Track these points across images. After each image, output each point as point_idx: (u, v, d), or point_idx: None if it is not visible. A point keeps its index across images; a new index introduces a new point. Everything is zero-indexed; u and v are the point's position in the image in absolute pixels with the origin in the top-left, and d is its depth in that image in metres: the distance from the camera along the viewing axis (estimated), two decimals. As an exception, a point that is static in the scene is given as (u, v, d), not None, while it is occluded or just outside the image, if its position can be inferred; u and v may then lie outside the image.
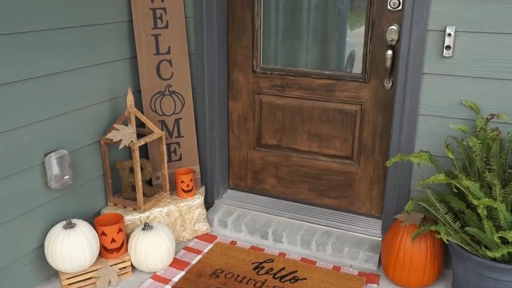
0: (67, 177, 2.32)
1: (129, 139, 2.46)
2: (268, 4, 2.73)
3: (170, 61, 2.74)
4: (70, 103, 2.35)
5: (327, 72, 2.67)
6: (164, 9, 2.67)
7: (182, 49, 2.74)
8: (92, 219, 2.45)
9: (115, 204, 2.64)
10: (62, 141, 2.33)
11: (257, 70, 2.83)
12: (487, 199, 1.88)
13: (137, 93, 2.74)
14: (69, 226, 2.25)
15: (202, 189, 2.89)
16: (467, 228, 2.00)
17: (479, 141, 2.04)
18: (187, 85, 2.78)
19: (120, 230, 2.37)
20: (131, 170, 2.62)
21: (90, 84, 2.45)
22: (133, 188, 2.65)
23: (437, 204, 2.09)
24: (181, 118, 2.81)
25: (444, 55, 2.20)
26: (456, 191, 2.03)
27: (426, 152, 2.16)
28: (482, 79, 2.19)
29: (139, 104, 2.75)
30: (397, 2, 2.38)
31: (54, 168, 2.25)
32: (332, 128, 2.75)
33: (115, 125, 2.49)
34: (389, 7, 2.41)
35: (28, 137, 2.16)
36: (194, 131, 2.85)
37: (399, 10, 2.39)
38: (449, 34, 2.17)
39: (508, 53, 2.11)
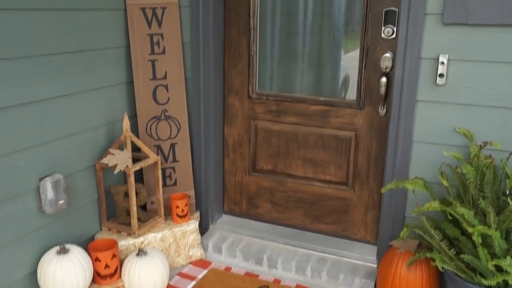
0: (62, 201, 2.31)
1: (125, 164, 2.46)
2: (264, 30, 2.77)
3: (166, 86, 2.76)
4: (66, 128, 2.36)
5: (322, 99, 2.70)
6: (161, 35, 2.71)
7: (178, 74, 2.76)
8: (86, 244, 2.42)
9: (109, 229, 2.63)
10: (57, 165, 2.33)
11: (252, 96, 2.86)
12: (482, 226, 1.89)
13: (133, 118, 2.75)
14: (63, 251, 2.23)
15: (197, 214, 2.88)
16: (462, 255, 2.00)
17: (473, 168, 2.06)
18: (183, 110, 2.80)
19: (114, 255, 2.35)
20: (126, 194, 2.61)
21: (86, 108, 2.46)
22: (128, 213, 2.63)
23: (432, 231, 2.09)
24: (176, 143, 2.82)
25: (437, 83, 2.23)
26: (450, 218, 2.04)
27: (420, 178, 2.17)
28: (475, 106, 2.22)
29: (135, 129, 2.75)
30: (390, 30, 2.42)
31: (48, 192, 2.24)
32: (327, 154, 2.76)
33: (111, 150, 2.49)
34: (383, 35, 2.45)
35: (24, 161, 2.15)
36: (189, 156, 2.85)
37: (393, 38, 2.43)
38: (442, 63, 2.20)
39: (500, 81, 2.15)
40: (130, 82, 2.73)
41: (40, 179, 2.23)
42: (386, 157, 2.44)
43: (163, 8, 2.68)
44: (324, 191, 2.83)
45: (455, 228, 2.08)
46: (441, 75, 2.22)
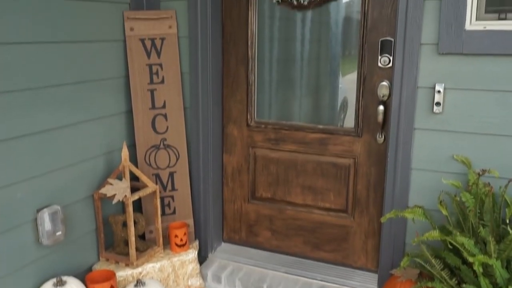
0: (59, 233, 2.30)
1: (123, 194, 2.46)
2: (262, 59, 2.80)
3: (165, 115, 2.77)
4: (64, 159, 2.36)
5: (321, 126, 2.71)
6: (160, 65, 2.73)
7: (177, 103, 2.78)
8: (84, 275, 2.40)
9: (107, 260, 2.60)
10: (55, 196, 2.32)
11: (251, 124, 2.87)
12: (482, 256, 1.87)
13: (132, 147, 2.76)
14: (60, 284, 2.20)
15: (196, 243, 2.86)
16: (464, 285, 1.98)
17: (472, 196, 2.05)
18: (182, 138, 2.81)
19: (111, 287, 2.33)
20: (124, 224, 2.60)
21: (85, 139, 2.47)
22: (126, 242, 2.61)
23: (433, 260, 2.07)
24: (175, 172, 2.82)
25: (434, 111, 2.25)
26: (451, 247, 2.02)
27: (420, 207, 2.16)
28: (472, 134, 2.23)
29: (133, 158, 2.76)
30: (387, 60, 2.44)
31: (46, 224, 2.23)
32: (326, 182, 2.76)
33: (109, 180, 2.49)
34: (379, 64, 2.47)
35: (21, 193, 2.15)
36: (188, 184, 2.85)
37: (390, 67, 2.45)
38: (439, 91, 2.22)
39: (496, 109, 2.16)
40: (129, 112, 2.75)
41: (38, 211, 2.22)
42: (385, 185, 2.44)
43: (162, 39, 2.71)
44: (324, 218, 2.81)
45: (455, 257, 2.06)
46: (438, 104, 2.24)
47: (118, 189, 2.46)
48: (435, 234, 1.99)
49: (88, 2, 2.41)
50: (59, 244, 2.36)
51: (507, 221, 1.97)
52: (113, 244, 2.66)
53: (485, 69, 2.14)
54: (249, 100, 2.84)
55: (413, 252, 2.25)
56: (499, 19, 2.09)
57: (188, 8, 2.67)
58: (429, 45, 2.21)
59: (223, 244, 3.11)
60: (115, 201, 2.45)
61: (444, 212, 2.07)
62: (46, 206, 2.26)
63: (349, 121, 2.66)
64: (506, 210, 1.98)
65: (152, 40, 2.70)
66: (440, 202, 2.10)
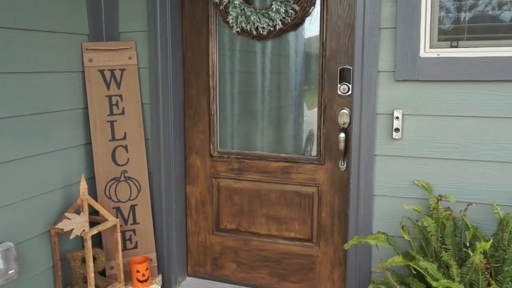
0: (12, 271, 2.18)
1: (81, 228, 2.37)
2: (224, 90, 2.80)
3: (126, 147, 2.72)
4: (17, 193, 2.27)
5: (283, 155, 2.71)
6: (120, 96, 2.70)
7: (138, 135, 2.73)
8: (39, 316, 2.29)
9: (65, 299, 2.49)
10: (7, 232, 2.22)
11: (214, 154, 2.84)
12: (446, 280, 1.87)
13: (91, 180, 2.68)
14: (12, 326, 2.09)
15: (159, 277, 2.77)
16: (429, 310, 1.97)
17: (433, 221, 2.07)
18: (143, 170, 2.75)
19: (68, 327, 2.22)
20: (83, 260, 2.50)
21: (40, 172, 2.39)
22: (85, 280, 2.51)
23: (398, 286, 2.06)
24: (137, 204, 2.75)
25: (393, 137, 2.28)
26: (415, 272, 2.02)
27: (383, 233, 2.16)
28: (431, 159, 2.26)
29: (93, 191, 2.68)
30: (346, 88, 2.48)
31: (-2, 262, 2.12)
32: (290, 211, 2.73)
33: (67, 214, 2.40)
34: (339, 92, 2.51)
35: (-29, 230, 2.05)
36: (150, 217, 2.78)
37: (349, 95, 2.49)
38: (397, 117, 2.26)
39: (453, 134, 2.21)
40: (89, 144, 2.68)
41: (-11, 248, 2.12)
42: (349, 212, 2.44)
43: (122, 70, 2.69)
44: (290, 248, 2.78)
45: (420, 282, 2.05)
46: (397, 130, 2.27)
47: (76, 224, 2.37)
48: (398, 260, 1.99)
49: (44, 32, 2.37)
50: (12, 283, 2.24)
51: (468, 245, 1.98)
52: (71, 282, 2.55)
53: (440, 95, 2.19)
54: (211, 130, 2.83)
55: (378, 279, 2.24)
56: (451, 46, 2.16)
57: (148, 39, 2.66)
58: (386, 73, 2.26)
59: (187, 278, 3.03)
60: (72, 236, 2.35)
61: (407, 237, 2.07)
62: (-2, 244, 2.15)
63: (312, 150, 2.66)
64: (466, 233, 2.00)
65: (112, 71, 2.67)
66: (402, 227, 2.10)
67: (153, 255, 2.79)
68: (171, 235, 2.84)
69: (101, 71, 2.65)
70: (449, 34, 2.18)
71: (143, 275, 2.62)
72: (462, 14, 2.15)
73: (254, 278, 2.88)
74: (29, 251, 2.34)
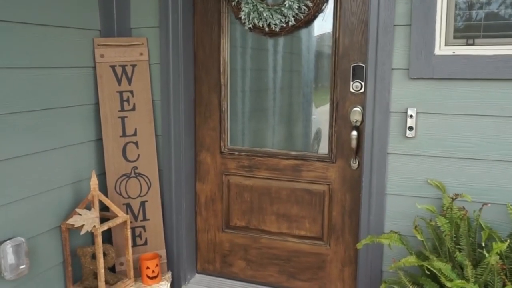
0: (23, 266, 2.19)
1: (92, 224, 2.37)
2: (235, 87, 2.78)
3: (136, 143, 2.71)
4: (29, 188, 2.27)
5: (294, 153, 2.69)
6: (131, 92, 2.69)
7: (148, 131, 2.72)
8: (49, 312, 2.29)
9: (75, 294, 2.49)
10: (19, 228, 2.22)
11: (224, 151, 2.83)
12: (460, 280, 1.85)
13: (102, 176, 2.68)
14: (23, 321, 2.09)
15: (169, 274, 2.77)
16: (442, 311, 1.95)
17: (447, 221, 2.04)
18: (154, 167, 2.74)
19: (78, 323, 2.22)
20: (93, 256, 2.49)
21: (51, 167, 2.39)
22: (95, 275, 2.51)
23: (411, 286, 2.04)
24: (147, 201, 2.74)
25: (407, 135, 2.25)
26: (428, 272, 2.00)
27: (396, 232, 2.14)
28: (445, 158, 2.23)
29: (103, 187, 2.67)
30: (359, 85, 2.46)
31: (9, 257, 2.12)
32: (301, 209, 2.72)
33: (77, 210, 2.40)
34: (351, 90, 2.49)
35: (-17, 225, 2.05)
36: (160, 214, 2.77)
37: (362, 92, 2.46)
38: (411, 116, 2.23)
39: (467, 133, 2.18)
40: (99, 140, 2.68)
41: (0, 243, 2.11)
42: (361, 211, 2.42)
43: (133, 66, 2.68)
44: (299, 246, 2.76)
45: (434, 282, 2.03)
46: (411, 128, 2.24)
47: (87, 219, 2.37)
48: (412, 259, 1.96)
49: (56, 28, 2.37)
50: (23, 279, 2.24)
51: (483, 245, 1.96)
52: (81, 277, 2.55)
53: (455, 93, 2.17)
54: (222, 127, 2.81)
55: (390, 279, 2.22)
56: (467, 44, 2.13)
57: (160, 35, 2.65)
58: (400, 70, 2.23)
59: (197, 275, 3.02)
60: (83, 231, 2.35)
61: (420, 237, 2.04)
62: (9, 239, 2.15)
63: (323, 147, 2.65)
64: (481, 233, 1.98)
65: (123, 67, 2.66)
66: (415, 227, 2.08)
67: (163, 252, 2.79)
68: (181, 232, 2.83)
69: (113, 67, 2.65)
70: (465, 32, 2.15)
71: (153, 271, 2.62)
72: (479, 12, 2.12)
73: (263, 276, 2.87)
74: (39, 247, 2.34)
